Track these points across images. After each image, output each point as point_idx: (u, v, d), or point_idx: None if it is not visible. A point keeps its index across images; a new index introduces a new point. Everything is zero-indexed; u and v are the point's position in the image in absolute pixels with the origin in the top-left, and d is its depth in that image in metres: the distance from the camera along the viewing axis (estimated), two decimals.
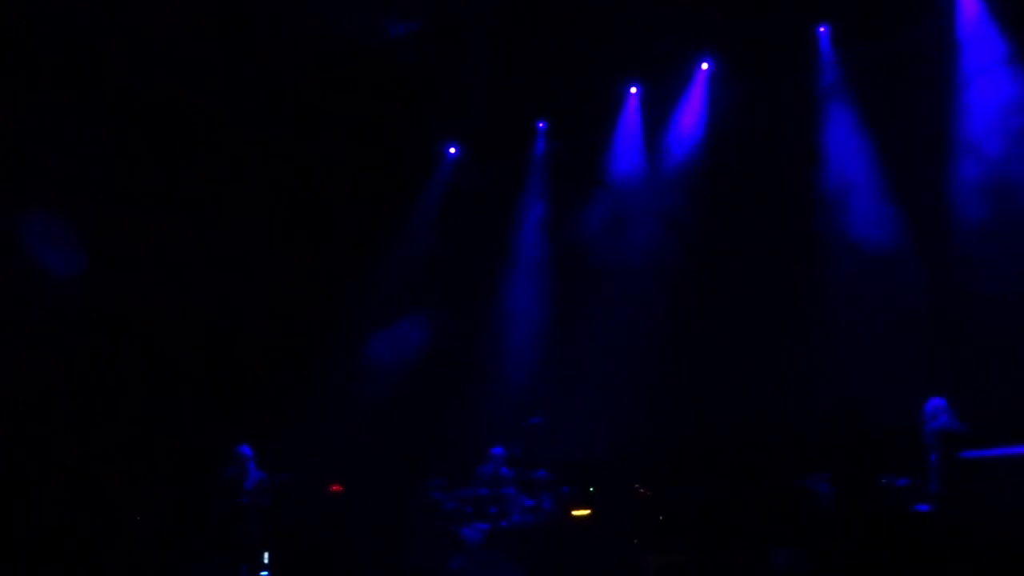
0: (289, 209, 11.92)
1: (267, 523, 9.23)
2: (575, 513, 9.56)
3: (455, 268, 12.29)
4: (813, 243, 10.16)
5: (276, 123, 11.48)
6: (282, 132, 11.58)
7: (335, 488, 10.97)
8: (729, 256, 10.69)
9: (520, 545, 9.17)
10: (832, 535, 7.45)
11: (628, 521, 9.12)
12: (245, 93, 10.89)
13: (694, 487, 9.28)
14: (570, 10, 10.38)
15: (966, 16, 9.58)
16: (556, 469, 9.99)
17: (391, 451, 11.20)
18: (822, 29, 10.42)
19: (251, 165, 11.62)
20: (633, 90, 11.64)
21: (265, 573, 9.27)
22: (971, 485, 7.25)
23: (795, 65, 10.50)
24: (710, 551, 8.12)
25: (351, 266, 12.15)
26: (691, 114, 11.24)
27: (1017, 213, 9.04)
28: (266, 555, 9.30)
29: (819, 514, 8.00)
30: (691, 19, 10.39)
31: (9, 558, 9.35)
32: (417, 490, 10.27)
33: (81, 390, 10.64)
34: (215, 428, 10.49)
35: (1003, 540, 6.34)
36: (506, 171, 12.30)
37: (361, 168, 12.13)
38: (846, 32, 10.26)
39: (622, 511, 9.21)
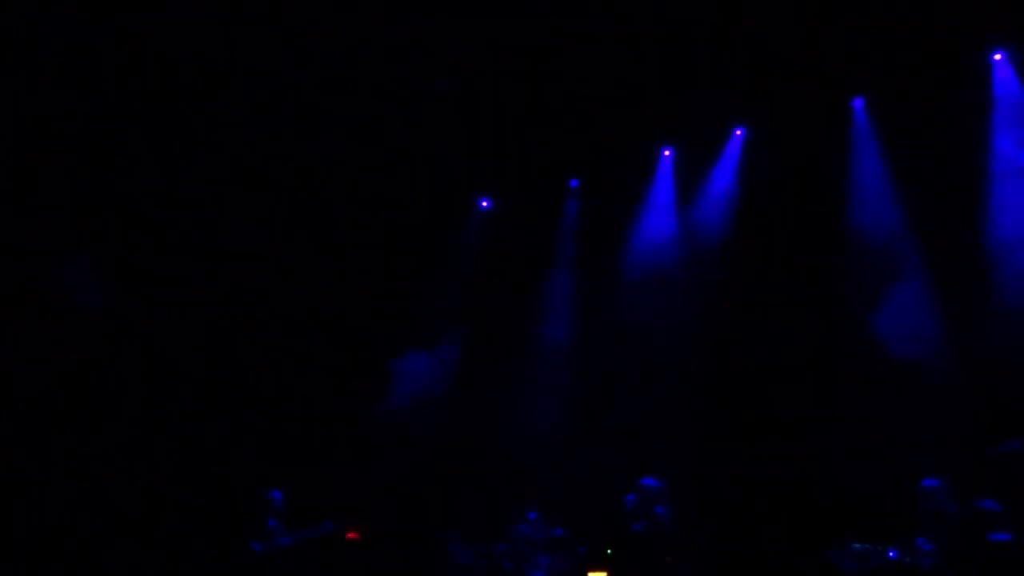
0: (322, 254, 12.04)
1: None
2: (591, 575, 9.41)
3: (484, 319, 12.32)
4: (844, 312, 10.11)
5: (314, 170, 11.70)
6: (319, 179, 11.80)
7: (351, 535, 10.87)
8: (758, 319, 10.65)
9: None
10: None
11: None
12: (283, 131, 11.13)
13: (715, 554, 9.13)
14: (608, 71, 10.56)
15: (1001, 83, 9.63)
16: (575, 525, 9.86)
17: (409, 500, 11.12)
18: (857, 102, 10.52)
19: (283, 210, 11.81)
20: (667, 152, 11.76)
21: None
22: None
23: (829, 134, 10.57)
24: None
25: (379, 312, 12.22)
26: (723, 179, 11.32)
27: None
28: None
29: None
30: (727, 85, 10.52)
31: None
32: (433, 542, 10.17)
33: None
34: (234, 471, 10.56)
35: None
36: (537, 227, 12.40)
37: (394, 214, 12.26)
38: (881, 102, 10.33)
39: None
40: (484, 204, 12.76)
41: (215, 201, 11.31)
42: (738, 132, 11.21)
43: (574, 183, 12.38)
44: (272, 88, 10.55)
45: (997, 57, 9.70)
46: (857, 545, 7.92)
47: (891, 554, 7.71)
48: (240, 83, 10.45)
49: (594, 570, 9.45)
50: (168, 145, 10.90)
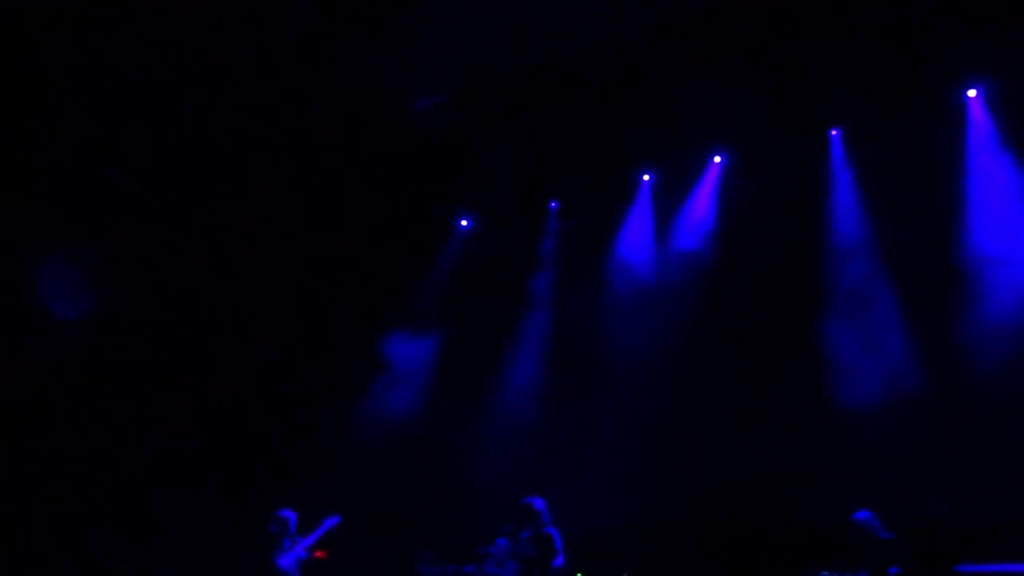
0: (301, 269, 12.00)
1: None
2: None
3: (461, 339, 12.30)
4: (819, 339, 10.19)
5: (295, 184, 11.68)
6: (299, 194, 11.78)
7: (318, 554, 10.76)
8: (734, 347, 10.73)
9: None
10: None
11: None
12: (268, 153, 11.13)
13: None
14: (589, 94, 10.65)
15: (975, 124, 9.82)
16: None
17: (382, 518, 11.05)
18: (834, 132, 10.68)
19: (263, 225, 11.77)
20: (646, 177, 11.86)
21: None
22: None
23: (806, 164, 10.70)
24: None
25: (358, 330, 12.18)
26: (702, 205, 11.41)
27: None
28: None
29: None
30: (707, 113, 10.65)
31: None
32: (404, 561, 10.09)
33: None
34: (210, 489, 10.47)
35: None
36: (517, 247, 12.43)
37: (374, 233, 12.26)
38: (858, 134, 10.49)
39: None
40: (464, 223, 12.79)
41: (198, 218, 11.26)
42: (717, 159, 11.32)
43: (553, 205, 12.43)
44: (254, 104, 10.54)
45: (972, 93, 9.87)
46: (826, 573, 7.97)
47: None
48: (226, 102, 10.44)
49: None
50: (146, 154, 10.84)
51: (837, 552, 8.28)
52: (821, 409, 9.94)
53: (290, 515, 9.03)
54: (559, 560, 8.23)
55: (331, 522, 9.17)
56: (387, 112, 11.04)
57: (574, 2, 9.50)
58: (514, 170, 11.72)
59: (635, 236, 11.86)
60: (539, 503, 8.46)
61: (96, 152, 10.26)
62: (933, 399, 9.45)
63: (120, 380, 11.00)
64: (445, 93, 10.88)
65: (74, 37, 9.40)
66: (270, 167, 11.39)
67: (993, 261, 9.47)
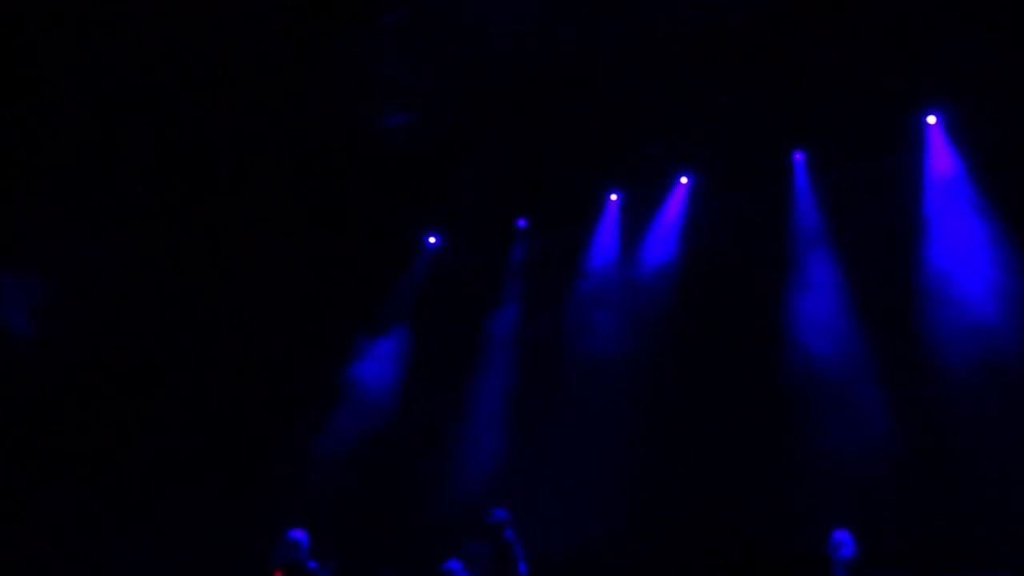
0: (269, 283, 11.91)
1: None
2: None
3: (428, 355, 12.28)
4: (783, 355, 10.34)
5: (257, 204, 11.61)
6: (263, 213, 11.71)
7: (277, 574, 10.63)
8: (699, 363, 10.84)
9: None
10: None
11: None
12: (232, 170, 11.06)
13: None
14: (558, 114, 10.74)
15: (935, 150, 10.03)
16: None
17: (345, 536, 10.94)
18: (798, 156, 10.86)
19: (225, 242, 11.68)
20: (614, 197, 11.96)
21: None
22: None
23: (771, 187, 10.86)
24: None
25: (325, 349, 12.10)
26: (668, 224, 11.54)
27: (985, 345, 9.29)
28: None
29: None
30: (674, 135, 10.80)
31: None
32: None
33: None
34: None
35: None
36: (484, 264, 12.45)
37: (340, 251, 12.20)
38: (821, 159, 10.67)
39: None
40: (432, 240, 12.79)
41: (164, 231, 11.15)
42: (684, 180, 11.45)
43: (522, 223, 12.48)
44: (225, 115, 10.48)
45: (931, 120, 10.10)
46: None
47: None
48: (201, 111, 10.37)
49: None
50: (110, 166, 10.71)
51: (804, 565, 8.39)
52: (783, 426, 10.06)
53: (302, 536, 8.68)
54: (522, 568, 8.22)
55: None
56: (356, 128, 11.03)
57: (545, 24, 9.57)
58: (483, 188, 11.76)
59: (602, 254, 11.95)
60: (500, 514, 8.46)
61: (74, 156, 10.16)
62: (895, 412, 9.60)
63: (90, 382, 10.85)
64: (416, 111, 10.91)
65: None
66: (237, 180, 11.31)
67: (952, 281, 9.67)
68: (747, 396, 10.52)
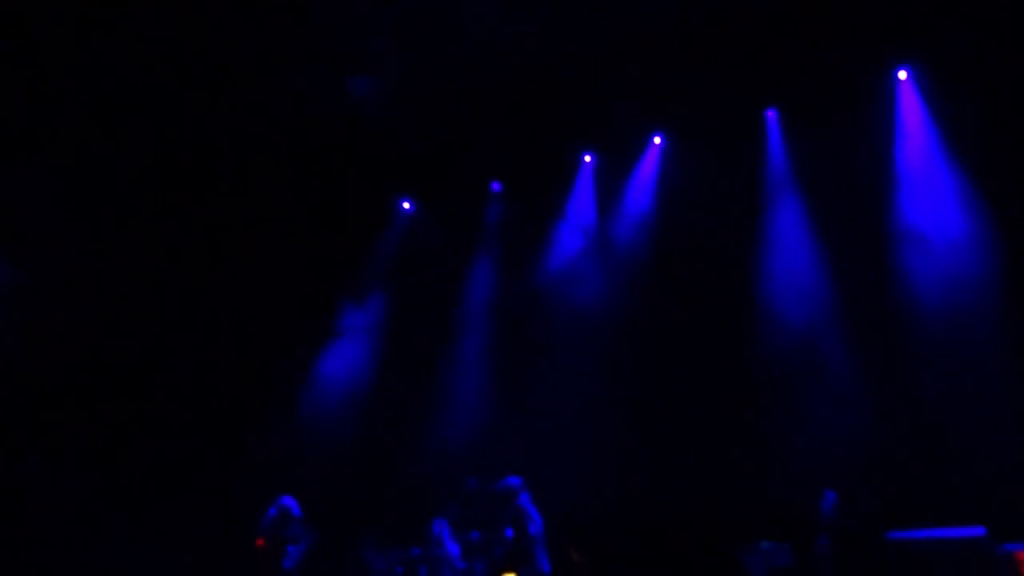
0: (243, 256, 11.81)
1: None
2: None
3: (403, 324, 12.23)
4: (757, 318, 10.37)
5: (231, 172, 11.47)
6: (236, 182, 11.57)
7: (259, 542, 10.64)
8: (675, 324, 10.87)
9: None
10: None
11: None
12: (202, 141, 10.90)
13: (630, 554, 9.25)
14: (529, 78, 10.64)
15: (906, 105, 10.06)
16: (491, 529, 9.85)
17: (326, 505, 10.95)
18: (770, 113, 10.85)
19: (199, 214, 11.54)
20: (587, 158, 11.90)
21: None
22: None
23: (744, 144, 10.85)
24: None
25: (302, 316, 12.03)
26: (643, 184, 11.50)
27: (956, 296, 9.36)
28: None
29: None
30: (646, 95, 10.73)
31: None
32: (349, 548, 10.03)
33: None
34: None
35: None
36: (460, 229, 12.39)
37: (314, 219, 12.10)
38: (793, 116, 10.67)
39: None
40: (406, 206, 12.70)
41: (137, 201, 11.02)
42: (657, 140, 11.40)
43: (496, 187, 12.42)
44: (194, 90, 10.32)
45: (902, 75, 10.09)
46: (765, 544, 8.16)
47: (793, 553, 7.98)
48: (163, 89, 10.21)
49: (509, 573, 9.44)
50: (83, 144, 10.56)
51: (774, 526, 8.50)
52: (757, 387, 10.13)
53: (291, 502, 8.77)
54: (536, 527, 8.26)
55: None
56: (327, 95, 10.88)
57: None
58: (456, 153, 11.67)
59: (578, 216, 11.91)
60: (513, 481, 8.50)
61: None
62: (866, 370, 9.69)
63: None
64: (387, 76, 10.77)
65: None
66: (207, 152, 11.16)
67: (922, 236, 9.72)
68: (723, 356, 10.56)
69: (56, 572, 9.87)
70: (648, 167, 11.44)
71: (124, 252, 11.08)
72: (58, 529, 10.19)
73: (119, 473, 10.56)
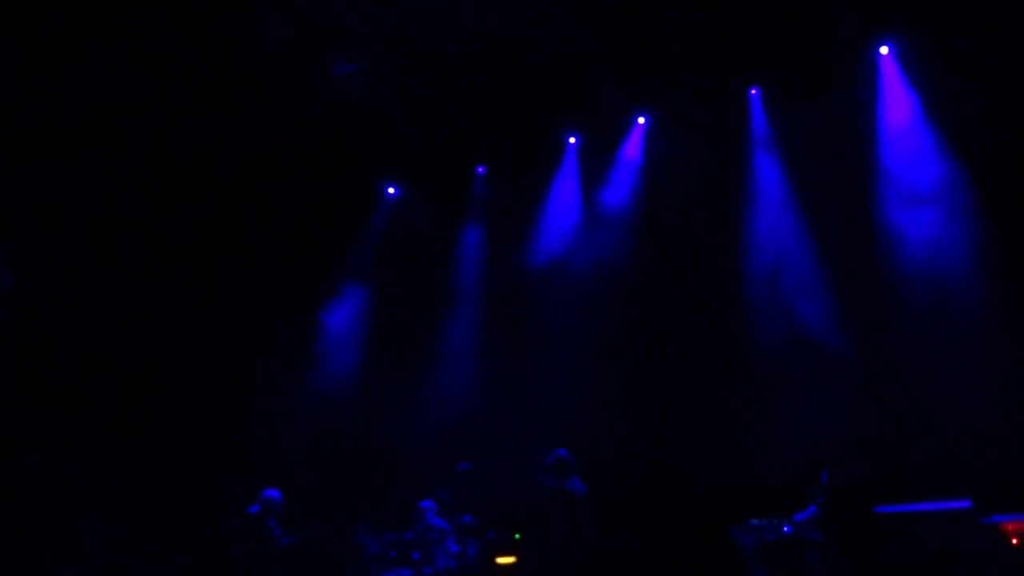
0: (230, 242, 11.74)
1: None
2: (500, 560, 9.47)
3: (391, 308, 12.23)
4: (742, 297, 10.42)
5: (218, 157, 11.39)
6: (222, 166, 11.49)
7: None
8: (662, 303, 10.93)
9: None
10: None
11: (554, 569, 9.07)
12: (184, 125, 10.81)
13: (621, 533, 9.33)
14: (513, 60, 10.58)
15: (888, 81, 10.08)
16: (484, 512, 9.91)
17: (317, 491, 10.99)
18: (753, 91, 10.85)
19: (185, 200, 11.46)
20: (572, 140, 11.88)
21: None
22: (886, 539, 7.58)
23: (728, 123, 10.85)
24: None
25: (288, 302, 12.00)
26: (627, 164, 11.50)
27: (939, 268, 9.43)
28: None
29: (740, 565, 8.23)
30: (629, 75, 10.70)
31: None
32: (342, 532, 10.06)
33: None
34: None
35: None
36: (445, 213, 12.37)
37: (300, 205, 12.04)
38: (776, 94, 10.67)
39: (547, 557, 9.15)
40: (391, 191, 12.66)
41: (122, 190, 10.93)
42: (641, 120, 11.39)
43: (480, 170, 12.37)
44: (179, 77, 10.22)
45: (884, 50, 10.10)
46: (755, 521, 8.24)
47: (785, 529, 8.06)
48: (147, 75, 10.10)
49: (503, 555, 9.52)
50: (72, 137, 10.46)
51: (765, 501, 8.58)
52: (746, 365, 10.20)
53: (275, 495, 8.82)
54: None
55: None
56: (309, 78, 10.80)
57: None
58: (440, 136, 11.62)
59: (563, 198, 11.90)
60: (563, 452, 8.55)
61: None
62: (853, 348, 9.77)
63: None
64: (369, 59, 10.69)
65: None
66: (192, 138, 11.07)
67: (906, 212, 9.78)
68: (710, 334, 10.62)
69: (56, 572, 9.86)
70: (633, 148, 11.44)
71: (118, 248, 11.01)
72: (57, 528, 10.18)
73: (118, 472, 10.53)
